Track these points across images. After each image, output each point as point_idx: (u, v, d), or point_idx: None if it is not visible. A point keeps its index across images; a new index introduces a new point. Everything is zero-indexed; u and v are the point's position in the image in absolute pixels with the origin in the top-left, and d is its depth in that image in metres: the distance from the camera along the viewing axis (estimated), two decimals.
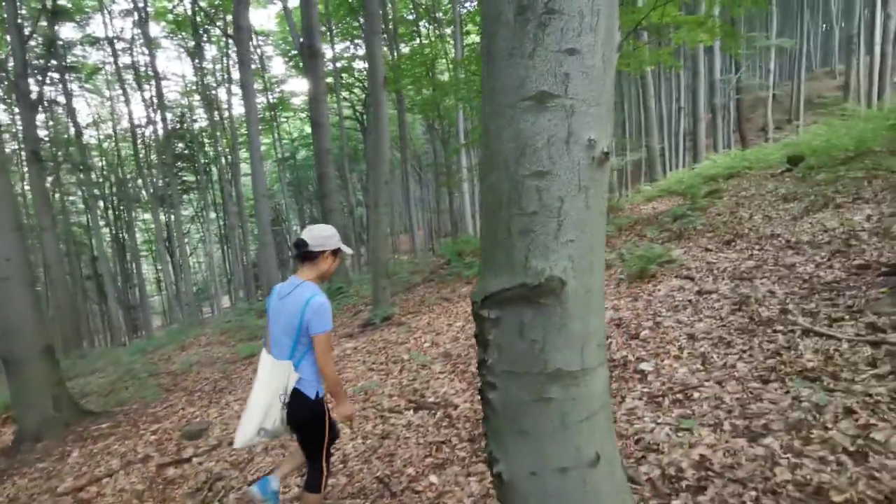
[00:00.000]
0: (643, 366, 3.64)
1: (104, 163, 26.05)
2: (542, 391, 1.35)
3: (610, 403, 1.49)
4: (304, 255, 2.44)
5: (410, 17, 21.79)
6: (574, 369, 1.34)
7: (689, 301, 4.63)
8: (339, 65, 22.10)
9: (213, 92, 24.30)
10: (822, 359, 3.05)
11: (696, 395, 3.08)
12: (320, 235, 2.46)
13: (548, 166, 1.24)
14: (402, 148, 21.62)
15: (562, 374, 1.33)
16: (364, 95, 24.82)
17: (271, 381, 2.38)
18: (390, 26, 18.91)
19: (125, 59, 21.20)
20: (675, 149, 20.32)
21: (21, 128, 12.31)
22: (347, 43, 23.33)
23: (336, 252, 2.52)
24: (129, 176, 25.76)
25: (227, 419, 5.66)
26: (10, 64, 12.28)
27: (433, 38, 20.73)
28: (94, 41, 19.85)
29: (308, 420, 2.45)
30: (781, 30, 24.59)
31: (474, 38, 19.88)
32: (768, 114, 20.53)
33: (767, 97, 19.99)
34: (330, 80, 20.44)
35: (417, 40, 21.50)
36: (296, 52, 19.16)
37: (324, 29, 20.38)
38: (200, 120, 26.56)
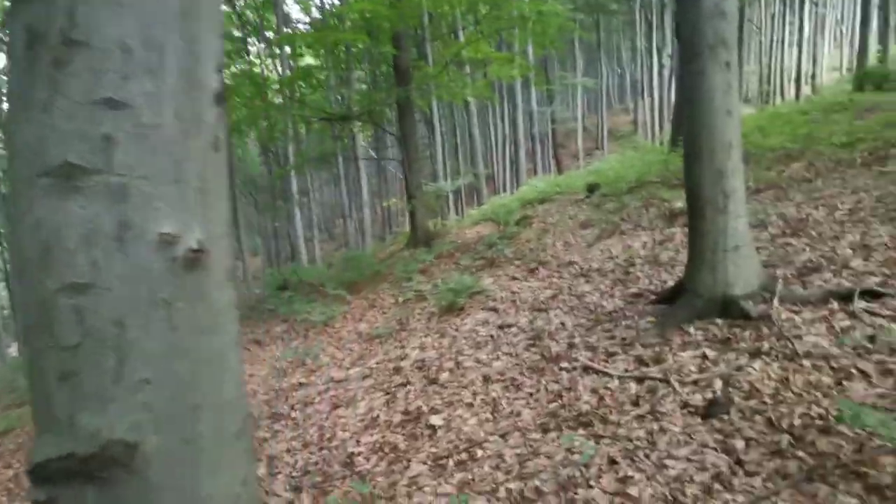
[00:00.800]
0: (434, 419, 3.41)
1: None
2: None
3: None
4: None
5: (238, 35, 20.40)
6: None
7: (491, 336, 4.59)
8: None
9: None
10: (596, 400, 3.07)
11: (479, 453, 2.89)
12: None
13: (90, 276, 0.81)
14: (230, 171, 19.84)
15: None
16: None
17: None
18: None
19: None
20: (503, 173, 21.73)
21: None
22: None
23: None
24: None
25: None
26: None
27: (263, 58, 20.08)
28: None
29: None
30: (586, 71, 28.07)
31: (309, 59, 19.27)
32: (579, 142, 23.07)
33: (577, 128, 22.46)
34: None
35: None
36: None
37: None
38: None
